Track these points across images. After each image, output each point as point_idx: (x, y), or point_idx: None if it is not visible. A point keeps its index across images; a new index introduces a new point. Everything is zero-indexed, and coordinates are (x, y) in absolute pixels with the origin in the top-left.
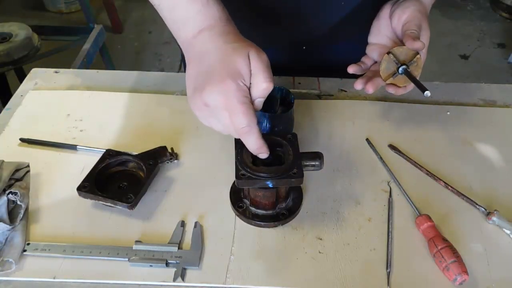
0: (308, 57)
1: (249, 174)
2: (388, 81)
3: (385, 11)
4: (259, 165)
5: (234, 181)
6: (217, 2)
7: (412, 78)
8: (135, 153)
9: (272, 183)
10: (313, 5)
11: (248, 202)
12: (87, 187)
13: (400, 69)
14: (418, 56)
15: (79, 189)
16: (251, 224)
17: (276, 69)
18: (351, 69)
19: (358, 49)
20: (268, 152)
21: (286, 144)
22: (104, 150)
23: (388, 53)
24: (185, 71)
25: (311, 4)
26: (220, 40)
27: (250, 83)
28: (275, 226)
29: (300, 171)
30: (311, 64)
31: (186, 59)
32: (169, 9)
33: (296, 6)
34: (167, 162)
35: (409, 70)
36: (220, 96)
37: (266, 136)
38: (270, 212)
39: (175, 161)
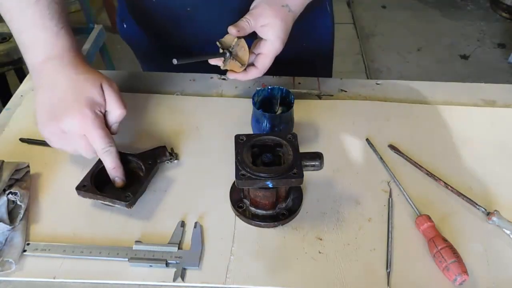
0: None
1: (249, 174)
2: (224, 67)
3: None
4: (259, 165)
5: (234, 181)
6: (68, 33)
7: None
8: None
9: (272, 183)
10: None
11: (248, 202)
12: (86, 186)
13: (227, 54)
14: (237, 40)
15: (78, 188)
16: (251, 224)
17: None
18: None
19: None
20: (122, 177)
21: (286, 144)
22: None
23: (217, 41)
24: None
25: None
26: (71, 70)
27: (106, 111)
28: (275, 226)
29: (300, 171)
30: None
31: (34, 83)
32: (18, 31)
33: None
34: (167, 162)
35: (232, 52)
36: (80, 125)
37: (266, 136)
38: (270, 212)
39: (175, 161)
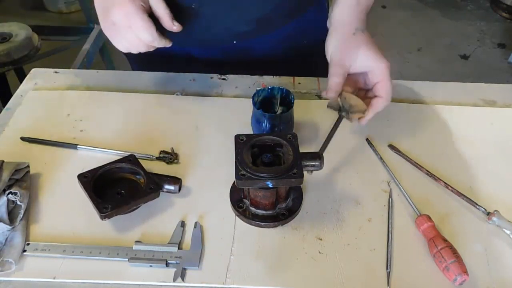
0: (239, 51)
1: (249, 174)
2: (353, 121)
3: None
4: (259, 166)
5: (234, 181)
6: None
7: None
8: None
9: (272, 183)
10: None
11: (248, 202)
12: (87, 178)
13: (343, 114)
14: (340, 97)
15: (79, 177)
16: (251, 224)
17: (209, 65)
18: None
19: (283, 41)
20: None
21: (286, 144)
22: (104, 149)
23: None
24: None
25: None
26: None
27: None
28: (275, 226)
29: (300, 171)
30: (243, 59)
31: None
32: None
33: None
34: (167, 162)
35: (346, 109)
36: (124, 17)
37: (266, 136)
38: (270, 212)
39: (175, 161)
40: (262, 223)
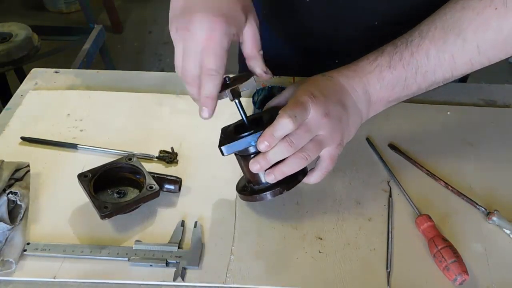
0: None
1: (231, 140)
2: None
3: None
4: None
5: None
6: None
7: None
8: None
9: (253, 140)
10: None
11: (251, 185)
12: (87, 177)
13: None
14: None
15: (79, 176)
16: (256, 200)
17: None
18: None
19: None
20: (211, 112)
21: (264, 113)
22: (104, 149)
23: None
24: None
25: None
26: None
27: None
28: (281, 192)
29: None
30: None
31: None
32: None
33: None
34: (167, 162)
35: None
36: (205, 32)
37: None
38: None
39: (175, 160)
40: (268, 193)
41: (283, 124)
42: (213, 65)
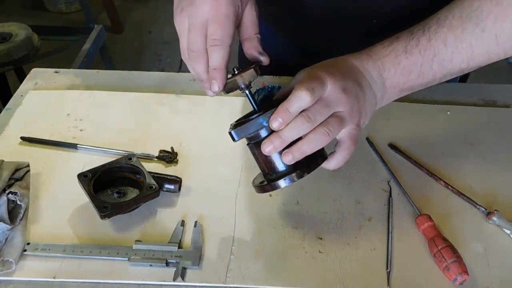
0: None
1: (241, 121)
2: None
3: None
4: None
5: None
6: None
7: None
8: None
9: (265, 120)
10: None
11: (268, 176)
12: (87, 177)
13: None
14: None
15: (79, 176)
16: (277, 188)
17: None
18: None
19: None
20: (221, 84)
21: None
22: (104, 149)
23: None
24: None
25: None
26: None
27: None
28: (301, 176)
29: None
30: None
31: None
32: None
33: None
34: (167, 162)
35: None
36: (209, 3)
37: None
38: (290, 168)
39: (175, 160)
40: (286, 179)
41: (299, 97)
42: (219, 35)
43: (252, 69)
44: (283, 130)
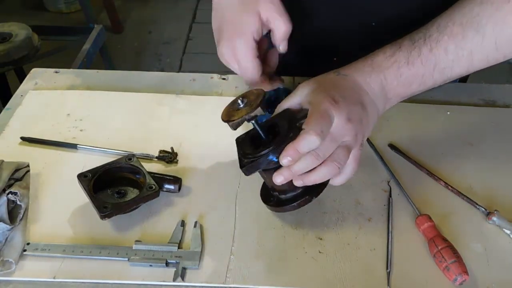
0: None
1: (251, 159)
2: None
3: None
4: None
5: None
6: None
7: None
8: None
9: (274, 156)
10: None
11: (276, 194)
12: (87, 177)
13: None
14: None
15: (79, 176)
16: (285, 211)
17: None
18: None
19: None
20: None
21: (280, 119)
22: (104, 149)
23: None
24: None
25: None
26: None
27: (270, 30)
28: (310, 200)
29: (297, 132)
30: None
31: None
32: None
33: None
34: (167, 162)
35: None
36: (230, 51)
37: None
38: (299, 190)
39: (175, 160)
40: (296, 203)
41: (309, 141)
42: (251, 76)
43: (259, 107)
44: (293, 165)
